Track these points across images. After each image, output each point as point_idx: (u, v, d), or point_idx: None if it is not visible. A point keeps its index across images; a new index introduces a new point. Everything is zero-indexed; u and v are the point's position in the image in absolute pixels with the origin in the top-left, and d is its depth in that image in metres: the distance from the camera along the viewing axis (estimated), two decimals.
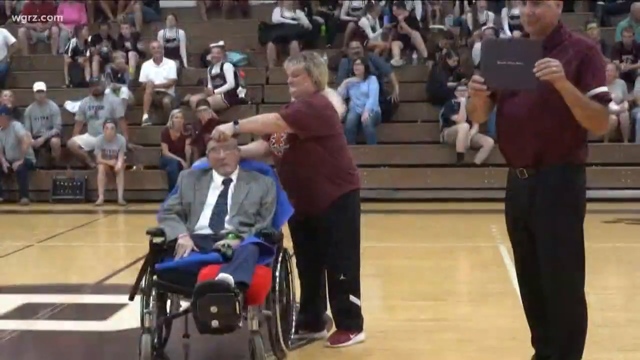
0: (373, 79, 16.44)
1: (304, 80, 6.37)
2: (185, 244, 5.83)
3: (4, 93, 17.49)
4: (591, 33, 17.68)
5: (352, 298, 6.42)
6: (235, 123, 6.23)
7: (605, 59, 4.80)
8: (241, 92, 17.62)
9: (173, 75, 17.93)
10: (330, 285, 6.51)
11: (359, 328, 6.50)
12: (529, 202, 4.97)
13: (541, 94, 4.74)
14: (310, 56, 6.48)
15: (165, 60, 17.96)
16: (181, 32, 19.12)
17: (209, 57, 18.11)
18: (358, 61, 16.44)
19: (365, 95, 16.34)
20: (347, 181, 6.42)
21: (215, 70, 17.47)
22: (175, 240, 5.87)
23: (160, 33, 19.05)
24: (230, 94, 17.39)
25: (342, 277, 6.39)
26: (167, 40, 18.91)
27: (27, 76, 19.00)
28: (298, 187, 6.35)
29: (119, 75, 18.00)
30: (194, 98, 17.11)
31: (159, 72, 17.81)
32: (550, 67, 4.61)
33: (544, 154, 4.87)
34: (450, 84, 16.93)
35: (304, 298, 6.66)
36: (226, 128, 6.20)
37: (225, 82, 17.39)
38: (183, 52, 19.06)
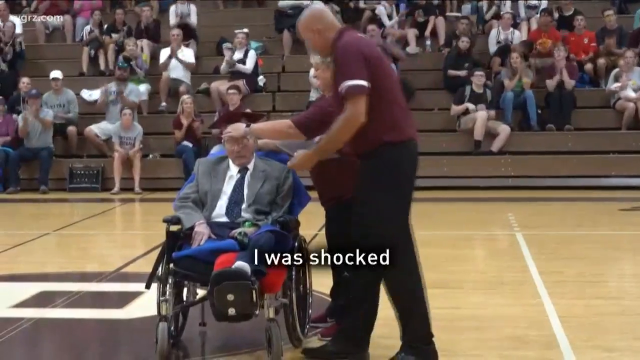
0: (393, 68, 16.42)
1: (324, 73, 6.19)
2: (202, 232, 5.84)
3: (22, 80, 17.54)
4: (608, 20, 17.62)
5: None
6: (247, 126, 6.15)
7: (351, 53, 5.47)
8: (261, 81, 17.63)
9: (191, 59, 17.91)
10: (337, 279, 6.42)
11: None
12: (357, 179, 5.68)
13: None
14: None
15: (183, 47, 17.93)
16: (192, 7, 19.10)
17: (227, 46, 17.90)
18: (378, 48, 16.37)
19: None
20: None
21: (238, 55, 17.39)
22: (192, 228, 5.88)
23: (172, 8, 19.01)
24: (251, 81, 17.36)
25: (345, 273, 6.27)
26: (182, 16, 18.87)
27: (43, 64, 19.05)
28: (324, 179, 6.26)
29: (132, 63, 17.96)
30: (215, 85, 17.15)
31: (177, 59, 17.76)
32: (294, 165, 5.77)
33: (353, 141, 5.56)
34: (460, 72, 16.94)
35: (333, 285, 6.56)
36: (237, 129, 6.15)
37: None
38: (194, 20, 18.99)
